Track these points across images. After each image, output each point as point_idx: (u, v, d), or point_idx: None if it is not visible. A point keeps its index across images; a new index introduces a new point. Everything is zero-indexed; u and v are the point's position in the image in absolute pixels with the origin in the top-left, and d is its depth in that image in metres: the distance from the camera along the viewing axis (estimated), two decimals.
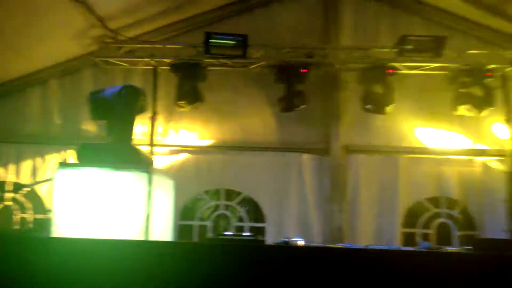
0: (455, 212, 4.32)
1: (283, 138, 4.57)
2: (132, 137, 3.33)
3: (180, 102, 4.29)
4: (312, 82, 4.39)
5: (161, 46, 4.37)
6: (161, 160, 4.51)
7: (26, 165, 4.61)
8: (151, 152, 4.32)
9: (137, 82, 4.34)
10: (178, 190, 4.32)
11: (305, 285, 1.89)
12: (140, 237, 2.98)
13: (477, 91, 4.04)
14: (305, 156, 4.53)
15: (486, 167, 4.36)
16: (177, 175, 4.40)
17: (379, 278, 1.88)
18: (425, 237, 4.30)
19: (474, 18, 4.44)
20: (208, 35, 4.07)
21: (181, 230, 4.57)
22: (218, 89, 4.57)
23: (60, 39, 4.33)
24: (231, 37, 4.11)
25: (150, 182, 2.99)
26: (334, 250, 2.44)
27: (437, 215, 4.36)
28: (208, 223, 4.65)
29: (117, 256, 2.05)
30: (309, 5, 4.67)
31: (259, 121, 4.59)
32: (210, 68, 4.39)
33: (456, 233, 4.27)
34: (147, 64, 4.37)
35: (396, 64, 4.17)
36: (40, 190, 4.61)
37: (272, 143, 4.56)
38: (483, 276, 1.82)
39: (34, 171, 4.61)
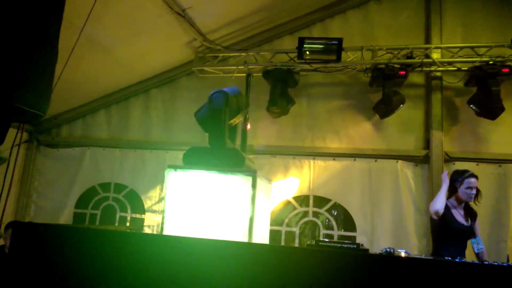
0: None
1: (378, 144, 4.45)
2: (235, 140, 3.50)
3: (272, 107, 4.42)
4: (411, 85, 4.25)
5: (254, 53, 4.56)
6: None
7: (129, 168, 5.11)
8: None
9: None
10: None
11: None
12: (244, 239, 3.12)
13: None
14: (401, 163, 4.35)
15: None
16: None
17: None
18: None
19: None
20: (302, 41, 4.15)
21: (271, 235, 4.69)
22: (311, 94, 4.64)
23: (161, 52, 4.75)
24: (325, 41, 4.16)
25: (254, 185, 3.13)
26: (447, 264, 2.24)
27: None
28: (296, 230, 4.70)
29: (224, 257, 2.13)
30: (409, 3, 4.53)
31: (353, 126, 4.54)
32: (302, 73, 4.46)
33: None
34: (240, 71, 4.58)
35: (511, 63, 3.84)
36: (138, 191, 5.07)
37: (366, 150, 4.47)
38: None
39: (135, 174, 5.08)
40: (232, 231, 3.20)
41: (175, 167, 3.35)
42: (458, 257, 2.96)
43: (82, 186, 5.24)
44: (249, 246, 2.59)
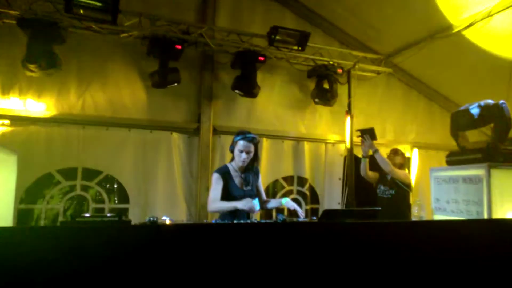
0: (304, 189, 5.50)
1: (153, 115, 4.78)
2: None
3: (30, 65, 4.02)
4: (186, 60, 4.75)
5: None
6: (1, 132, 4.11)
7: None
8: None
9: None
10: (21, 169, 4.11)
11: (175, 264, 2.02)
12: None
13: (327, 85, 5.18)
14: (175, 135, 4.88)
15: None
16: (21, 151, 4.14)
17: (248, 252, 2.15)
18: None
19: (333, 21, 5.59)
20: None
21: (23, 215, 4.36)
22: (81, 55, 4.46)
23: None
24: None
25: None
26: (201, 227, 2.42)
27: (290, 192, 5.47)
28: (60, 207, 4.54)
29: None
30: None
31: (128, 95, 4.68)
32: (71, 29, 4.23)
33: (305, 207, 5.46)
34: None
35: (266, 53, 4.89)
36: None
37: (140, 120, 4.72)
38: (326, 241, 2.31)
39: None
40: None
41: None
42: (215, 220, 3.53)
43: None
44: None
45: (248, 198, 3.07)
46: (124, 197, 4.75)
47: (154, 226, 2.37)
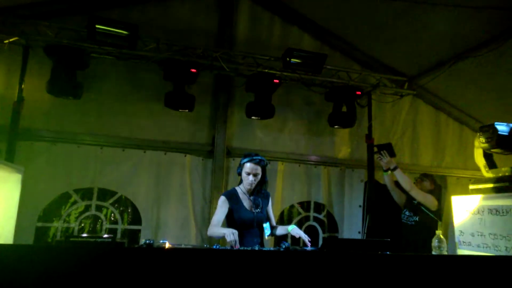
0: (322, 216, 5.35)
1: (168, 137, 4.95)
2: None
3: (53, 89, 4.33)
4: (202, 82, 4.91)
5: (40, 24, 4.32)
6: (20, 151, 4.33)
7: None
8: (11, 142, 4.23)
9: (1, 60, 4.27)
10: (41, 188, 4.35)
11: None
12: None
13: (346, 108, 5.09)
14: (189, 157, 5.00)
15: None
16: (42, 170, 4.43)
17: (242, 278, 2.18)
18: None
19: (353, 42, 5.58)
20: (93, 20, 4.21)
21: (41, 233, 4.58)
22: (102, 78, 4.76)
23: None
24: (119, 26, 4.32)
25: None
26: (192, 252, 2.49)
27: (307, 218, 5.35)
28: (74, 225, 4.72)
29: None
30: (206, 6, 5.21)
31: (145, 117, 4.89)
32: (93, 55, 4.53)
33: (322, 235, 5.29)
34: (15, 41, 4.30)
35: (282, 75, 4.92)
36: None
37: (155, 142, 4.89)
38: (329, 271, 2.32)
39: None
40: None
41: None
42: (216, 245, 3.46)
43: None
44: None
45: (234, 231, 2.91)
46: (137, 218, 4.86)
47: (146, 249, 2.41)
